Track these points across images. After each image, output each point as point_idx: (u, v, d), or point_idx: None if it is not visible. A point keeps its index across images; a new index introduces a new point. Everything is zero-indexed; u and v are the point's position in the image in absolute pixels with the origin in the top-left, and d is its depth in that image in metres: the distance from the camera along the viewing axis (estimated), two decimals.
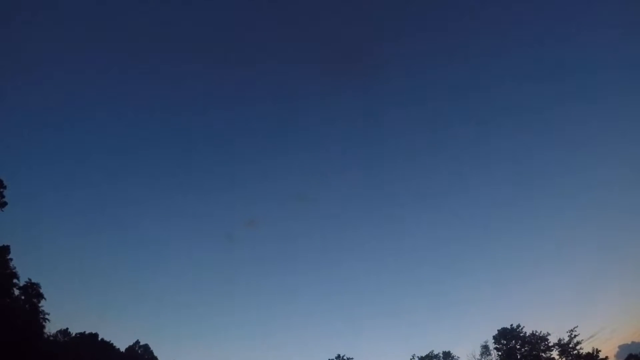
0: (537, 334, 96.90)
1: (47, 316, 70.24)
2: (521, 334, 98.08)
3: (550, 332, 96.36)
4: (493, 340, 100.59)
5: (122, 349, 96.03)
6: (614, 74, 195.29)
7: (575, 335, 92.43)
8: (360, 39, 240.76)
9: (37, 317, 67.49)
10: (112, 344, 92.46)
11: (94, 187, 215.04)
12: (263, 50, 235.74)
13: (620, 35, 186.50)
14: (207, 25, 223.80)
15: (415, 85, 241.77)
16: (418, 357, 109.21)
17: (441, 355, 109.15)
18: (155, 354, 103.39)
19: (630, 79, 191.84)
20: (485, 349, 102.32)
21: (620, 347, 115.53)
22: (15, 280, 65.10)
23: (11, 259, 64.56)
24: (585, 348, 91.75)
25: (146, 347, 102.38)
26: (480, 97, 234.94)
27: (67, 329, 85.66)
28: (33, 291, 68.24)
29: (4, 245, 64.11)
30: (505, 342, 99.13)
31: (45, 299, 68.98)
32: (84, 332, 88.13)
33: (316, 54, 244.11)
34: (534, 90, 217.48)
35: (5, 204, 64.09)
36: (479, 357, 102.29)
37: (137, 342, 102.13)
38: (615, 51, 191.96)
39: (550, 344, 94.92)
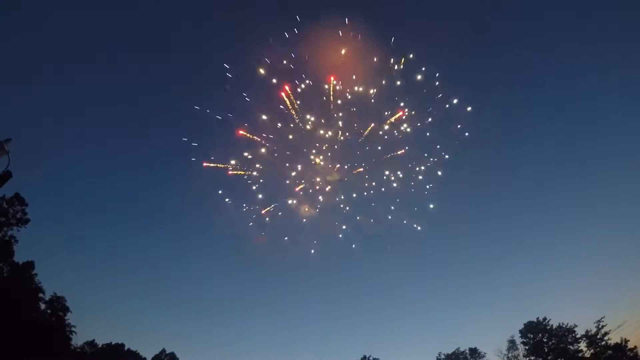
0: (563, 326, 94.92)
1: (73, 328, 72.27)
2: (548, 327, 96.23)
3: (577, 323, 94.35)
4: (520, 335, 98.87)
5: (149, 358, 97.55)
6: (614, 74, 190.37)
7: (602, 326, 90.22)
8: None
9: (63, 330, 69.28)
10: (138, 353, 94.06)
11: (113, 199, 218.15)
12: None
13: (620, 35, 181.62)
14: (204, 25, 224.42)
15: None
16: (444, 354, 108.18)
17: (467, 352, 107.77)
18: None
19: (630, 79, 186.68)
20: (512, 344, 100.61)
21: None
22: (40, 295, 67.01)
23: (36, 274, 66.54)
24: (613, 338, 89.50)
25: (172, 356, 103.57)
26: (481, 97, 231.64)
27: (94, 340, 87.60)
28: (59, 305, 70.17)
29: (28, 261, 66.06)
30: (532, 335, 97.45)
31: (71, 311, 71.06)
32: (110, 342, 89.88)
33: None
34: (537, 87, 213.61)
35: (27, 220, 66.11)
36: (506, 352, 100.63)
37: (163, 350, 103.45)
38: (615, 51, 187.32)
39: (577, 336, 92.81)
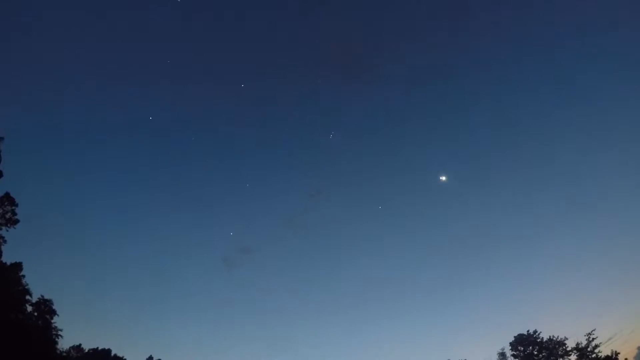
0: (554, 338, 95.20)
1: (59, 332, 71.06)
2: (538, 340, 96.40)
3: (567, 336, 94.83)
4: (510, 347, 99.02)
5: None
6: (614, 74, 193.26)
7: (593, 339, 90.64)
8: (372, 43, 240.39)
9: (49, 334, 68.17)
10: (125, 359, 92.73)
11: (104, 203, 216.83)
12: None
13: (620, 35, 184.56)
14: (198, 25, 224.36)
15: (417, 91, 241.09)
16: None
17: None
18: None
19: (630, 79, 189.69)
20: (502, 356, 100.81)
21: (639, 348, 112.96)
22: (27, 297, 65.89)
23: (24, 276, 65.45)
24: (604, 351, 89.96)
25: None
26: (483, 99, 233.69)
27: (80, 344, 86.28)
28: (46, 307, 69.10)
29: (16, 262, 65.01)
30: (522, 348, 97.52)
31: (58, 315, 69.89)
32: (97, 347, 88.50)
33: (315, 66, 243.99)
34: (536, 94, 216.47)
35: (17, 221, 65.07)
36: None
37: (151, 357, 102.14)
38: (617, 49, 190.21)
39: (568, 349, 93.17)
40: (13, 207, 65.42)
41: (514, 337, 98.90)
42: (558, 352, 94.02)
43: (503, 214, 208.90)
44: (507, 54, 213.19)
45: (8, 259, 63.77)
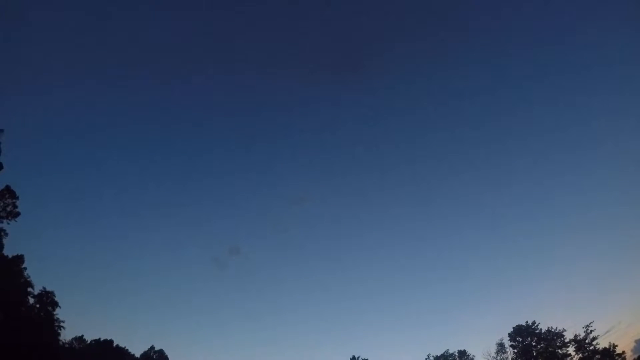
0: (552, 330, 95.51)
1: (62, 324, 71.49)
2: (537, 331, 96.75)
3: (566, 328, 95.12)
4: (508, 338, 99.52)
5: (137, 355, 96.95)
6: (613, 74, 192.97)
7: (591, 331, 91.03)
8: (359, 42, 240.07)
9: (52, 325, 68.43)
10: (127, 350, 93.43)
11: (106, 196, 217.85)
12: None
13: (620, 34, 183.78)
14: (200, 27, 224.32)
15: (415, 89, 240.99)
16: (433, 356, 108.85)
17: (456, 354, 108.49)
18: (171, 359, 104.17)
19: (631, 77, 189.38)
20: (500, 347, 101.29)
21: (636, 341, 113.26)
22: (29, 289, 66.06)
23: (25, 268, 65.55)
24: (602, 343, 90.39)
25: (161, 353, 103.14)
26: (480, 99, 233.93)
27: (82, 336, 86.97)
28: (48, 299, 69.27)
29: (18, 254, 65.06)
30: (520, 339, 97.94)
31: (60, 306, 70.16)
32: (99, 338, 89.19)
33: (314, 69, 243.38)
34: (534, 91, 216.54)
35: (18, 214, 64.96)
36: (495, 355, 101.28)
37: (152, 347, 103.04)
38: (615, 50, 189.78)
39: (566, 340, 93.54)
40: (14, 200, 65.25)
41: (513, 328, 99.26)
42: (556, 343, 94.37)
43: (503, 209, 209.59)
44: (504, 50, 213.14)
45: (9, 252, 63.96)
